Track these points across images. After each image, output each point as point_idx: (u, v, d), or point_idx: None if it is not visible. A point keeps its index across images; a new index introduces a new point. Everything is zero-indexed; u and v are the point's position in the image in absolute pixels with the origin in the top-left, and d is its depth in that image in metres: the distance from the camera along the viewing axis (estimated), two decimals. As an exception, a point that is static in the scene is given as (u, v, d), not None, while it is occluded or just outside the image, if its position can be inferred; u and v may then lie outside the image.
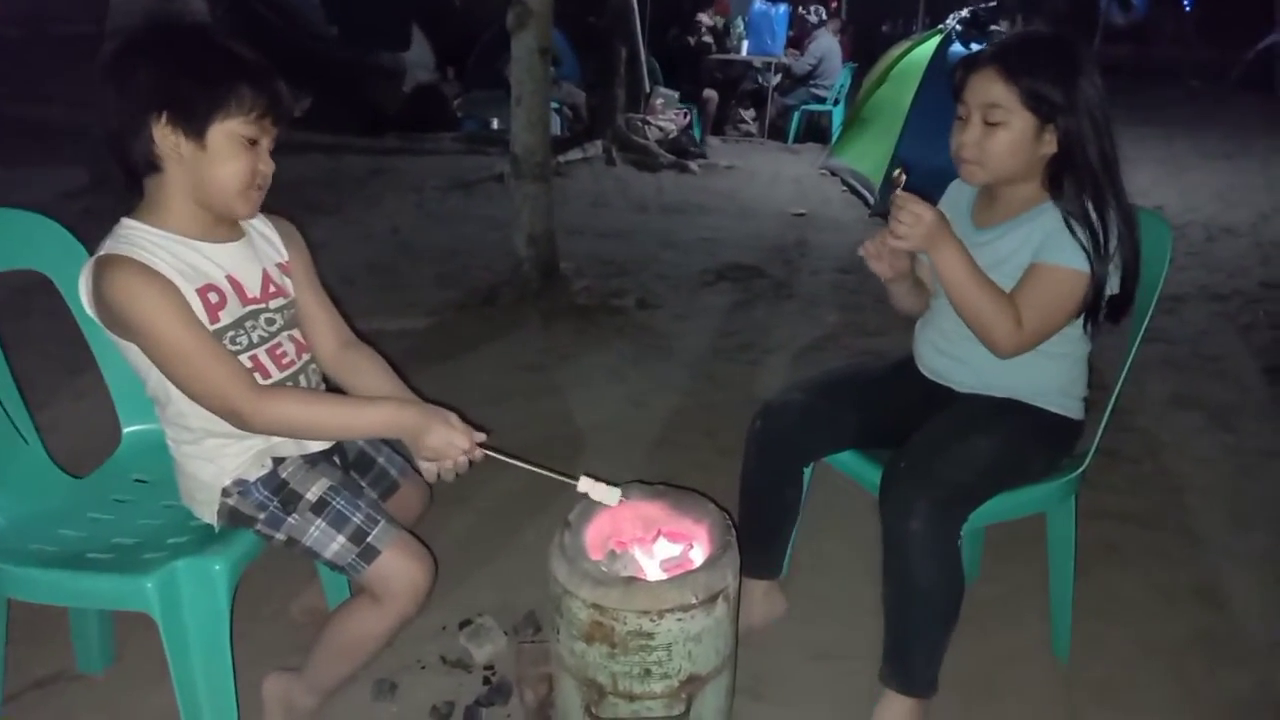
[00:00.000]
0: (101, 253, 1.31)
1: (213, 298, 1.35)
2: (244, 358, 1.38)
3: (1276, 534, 2.29)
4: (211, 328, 1.33)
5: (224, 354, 1.32)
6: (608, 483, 1.39)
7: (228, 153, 1.30)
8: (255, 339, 1.41)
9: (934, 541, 1.43)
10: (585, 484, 1.38)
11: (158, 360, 1.30)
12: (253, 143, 1.33)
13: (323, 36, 8.16)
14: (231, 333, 1.37)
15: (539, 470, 1.39)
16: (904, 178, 1.52)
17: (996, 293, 1.50)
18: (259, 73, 1.31)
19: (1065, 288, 1.49)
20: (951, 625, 1.50)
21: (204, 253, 1.36)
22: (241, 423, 1.30)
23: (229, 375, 1.29)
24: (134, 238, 1.32)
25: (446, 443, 1.33)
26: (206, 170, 1.31)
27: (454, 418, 1.35)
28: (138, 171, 1.33)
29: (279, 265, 1.49)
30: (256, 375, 1.38)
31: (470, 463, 1.37)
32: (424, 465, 1.39)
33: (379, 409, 1.38)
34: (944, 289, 1.53)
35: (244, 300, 1.40)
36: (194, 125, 1.28)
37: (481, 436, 1.36)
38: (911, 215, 1.45)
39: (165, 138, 1.28)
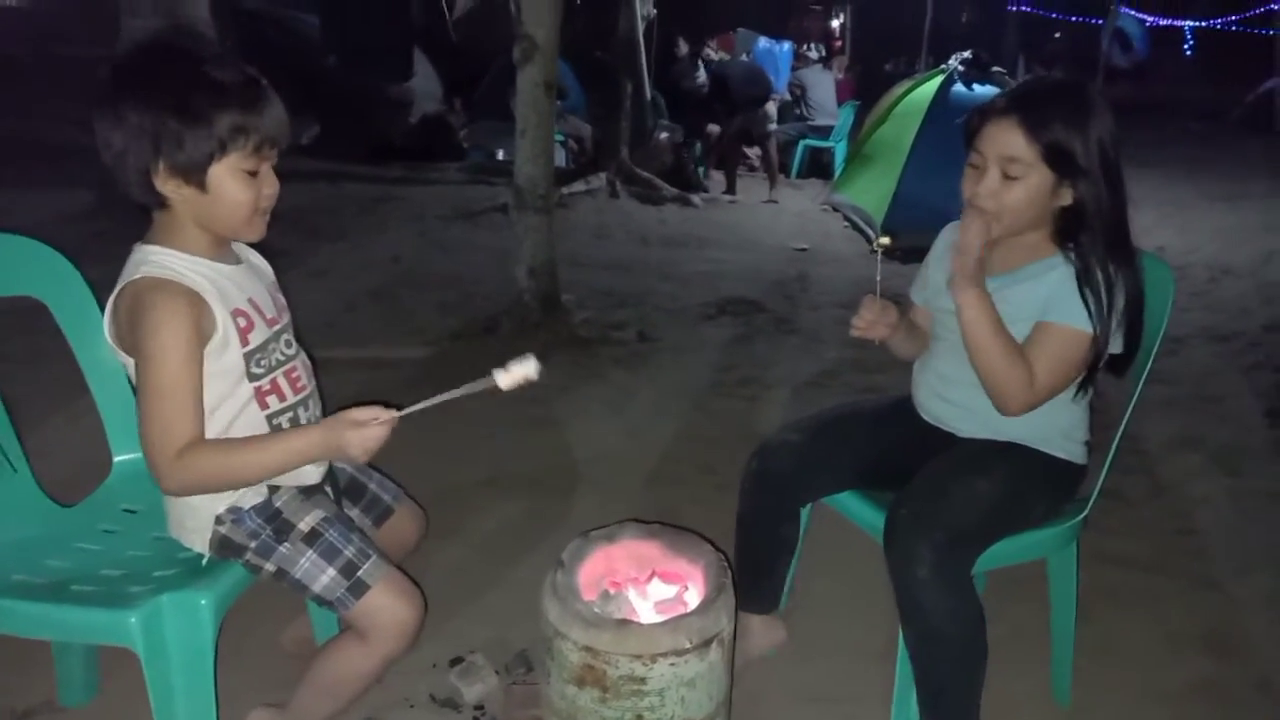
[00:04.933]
0: (137, 276, 1.27)
1: (241, 321, 1.33)
2: (265, 381, 1.36)
3: (1281, 579, 2.26)
4: (242, 350, 1.32)
5: (194, 411, 1.26)
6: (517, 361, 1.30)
7: (230, 187, 1.29)
8: (274, 361, 1.39)
9: (944, 586, 1.41)
10: (500, 377, 1.30)
11: (144, 386, 1.25)
12: (253, 173, 1.31)
13: (330, 65, 8.24)
14: (258, 355, 1.36)
15: (454, 394, 1.31)
16: (886, 243, 1.62)
17: (1015, 350, 1.48)
18: (251, 101, 1.27)
19: (1072, 348, 1.48)
20: (981, 664, 1.47)
21: (227, 275, 1.35)
22: (159, 478, 1.26)
23: (175, 431, 1.24)
24: (166, 262, 1.29)
25: (363, 438, 1.27)
26: (211, 207, 1.29)
27: (355, 413, 1.29)
28: (144, 206, 1.31)
29: (271, 284, 1.47)
30: (273, 398, 1.37)
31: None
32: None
33: (296, 439, 1.31)
34: (964, 338, 1.51)
35: (266, 322, 1.39)
36: (191, 171, 1.26)
37: (391, 413, 1.30)
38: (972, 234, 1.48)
39: (165, 182, 1.26)
